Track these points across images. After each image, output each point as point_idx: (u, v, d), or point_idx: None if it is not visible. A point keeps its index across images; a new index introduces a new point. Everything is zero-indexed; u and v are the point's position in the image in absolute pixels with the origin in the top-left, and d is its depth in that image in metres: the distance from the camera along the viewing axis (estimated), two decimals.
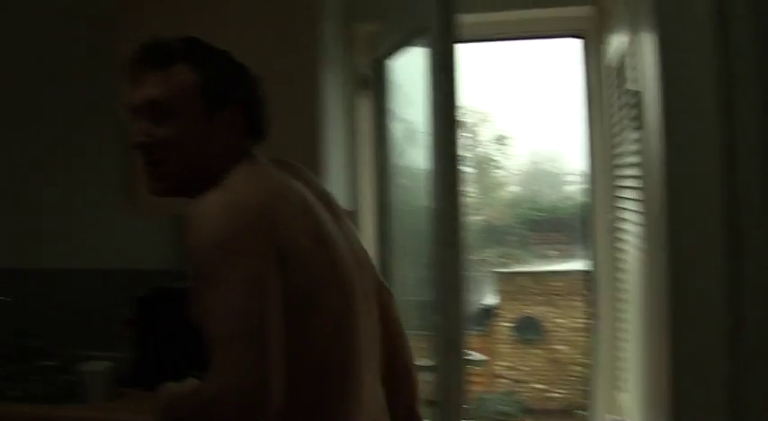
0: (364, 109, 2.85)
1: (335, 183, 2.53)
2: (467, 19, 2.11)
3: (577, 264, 10.95)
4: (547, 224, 14.94)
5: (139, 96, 1.38)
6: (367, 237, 2.86)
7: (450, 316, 2.08)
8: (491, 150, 16.80)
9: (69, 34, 2.91)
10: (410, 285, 2.85)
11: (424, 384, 1.98)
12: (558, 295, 11.10)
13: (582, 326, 9.69)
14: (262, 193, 1.31)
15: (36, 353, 2.71)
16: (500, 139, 16.69)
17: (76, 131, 2.93)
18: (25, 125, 3.01)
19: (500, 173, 17.42)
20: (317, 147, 2.44)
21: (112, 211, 2.64)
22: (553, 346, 11.18)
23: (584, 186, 2.96)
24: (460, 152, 2.13)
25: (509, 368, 11.33)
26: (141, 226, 2.80)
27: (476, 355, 2.11)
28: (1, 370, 2.61)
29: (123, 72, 1.43)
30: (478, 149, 16.75)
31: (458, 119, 2.11)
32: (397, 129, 2.76)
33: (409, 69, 2.61)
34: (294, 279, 1.26)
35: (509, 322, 11.20)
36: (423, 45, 2.24)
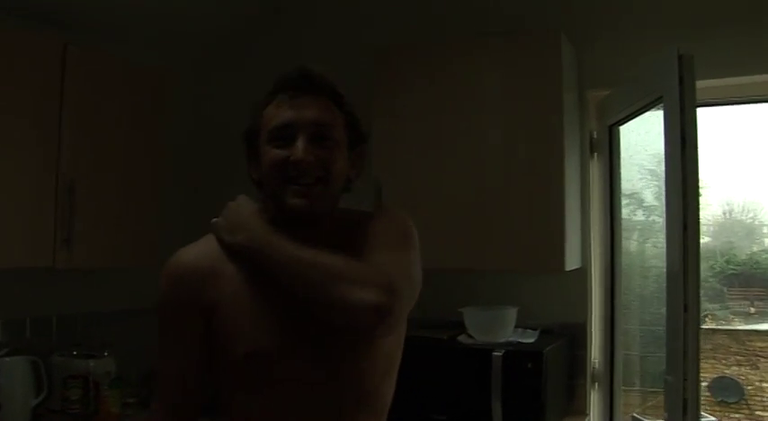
0: (594, 170, 2.98)
1: (570, 240, 2.66)
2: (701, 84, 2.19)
3: None
4: (744, 279, 13.95)
5: (306, 116, 1.41)
6: (594, 293, 2.95)
7: (686, 377, 2.11)
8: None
9: None
10: (635, 341, 2.91)
11: None
12: (761, 356, 10.40)
13: None
14: None
15: None
16: None
17: None
18: None
19: None
20: (559, 203, 2.62)
21: None
22: (756, 412, 10.47)
23: None
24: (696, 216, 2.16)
25: None
26: None
27: (709, 417, 2.14)
28: None
29: (271, 94, 1.45)
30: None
31: (697, 184, 2.14)
32: (624, 192, 2.87)
33: (641, 134, 2.73)
34: None
35: (705, 382, 10.60)
36: (658, 109, 2.32)
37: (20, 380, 2.55)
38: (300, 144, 1.39)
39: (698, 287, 2.15)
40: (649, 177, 2.97)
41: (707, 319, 12.46)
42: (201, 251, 1.46)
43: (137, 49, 3.12)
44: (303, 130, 1.40)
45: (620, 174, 2.88)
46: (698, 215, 2.16)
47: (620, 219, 2.89)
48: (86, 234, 2.68)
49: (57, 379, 2.71)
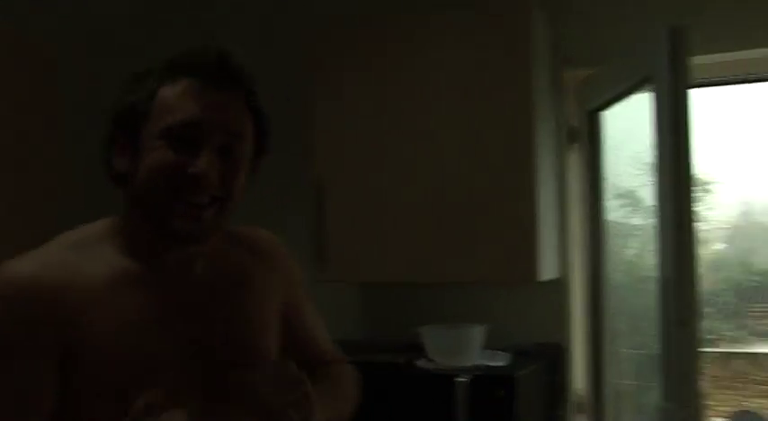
0: (573, 165, 2.82)
1: (544, 245, 2.50)
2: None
3: None
4: (766, 292, 13.47)
5: (220, 119, 1.20)
6: (576, 308, 2.79)
7: (685, 403, 1.97)
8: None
9: None
10: (627, 367, 2.74)
11: None
12: None
13: None
14: None
15: None
16: (702, 187, 15.36)
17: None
18: None
19: (702, 227, 16.07)
20: (530, 201, 2.45)
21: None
22: None
23: None
24: (692, 214, 2.00)
25: None
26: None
27: None
28: None
29: (171, 72, 1.22)
30: None
31: (692, 177, 2.00)
32: (610, 189, 2.70)
33: (627, 121, 2.55)
34: None
35: (723, 416, 10.13)
36: (648, 92, 2.18)
37: None
38: (206, 155, 1.19)
39: (697, 297, 2.00)
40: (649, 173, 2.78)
41: (720, 343, 12.11)
42: (50, 261, 1.19)
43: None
44: (212, 137, 1.20)
45: (603, 167, 2.70)
46: (694, 212, 2.01)
47: (606, 220, 2.71)
48: None
49: None
